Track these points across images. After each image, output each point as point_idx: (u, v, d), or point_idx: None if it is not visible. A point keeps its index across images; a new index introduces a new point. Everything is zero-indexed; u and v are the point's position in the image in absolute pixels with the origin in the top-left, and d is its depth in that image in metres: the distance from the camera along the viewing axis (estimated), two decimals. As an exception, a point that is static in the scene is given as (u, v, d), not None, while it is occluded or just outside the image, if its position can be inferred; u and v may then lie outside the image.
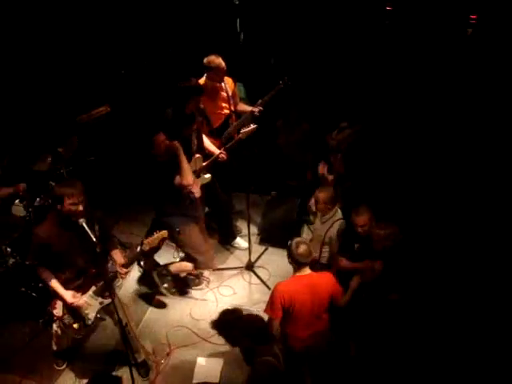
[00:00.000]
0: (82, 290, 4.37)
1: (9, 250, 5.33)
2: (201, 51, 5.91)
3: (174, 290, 5.82)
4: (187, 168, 4.84)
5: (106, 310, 4.53)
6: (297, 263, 4.24)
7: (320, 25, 7.44)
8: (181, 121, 5.15)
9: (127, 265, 4.39)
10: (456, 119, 6.87)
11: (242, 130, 5.66)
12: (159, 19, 7.63)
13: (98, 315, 4.51)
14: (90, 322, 4.40)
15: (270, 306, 4.23)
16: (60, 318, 4.38)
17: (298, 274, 4.27)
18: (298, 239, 4.30)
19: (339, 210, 5.30)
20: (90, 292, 4.38)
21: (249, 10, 7.70)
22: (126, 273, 4.43)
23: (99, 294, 4.39)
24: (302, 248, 4.17)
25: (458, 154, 6.55)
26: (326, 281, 4.31)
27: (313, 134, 6.63)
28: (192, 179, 4.89)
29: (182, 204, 5.06)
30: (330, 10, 7.35)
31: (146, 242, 4.28)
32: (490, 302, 5.15)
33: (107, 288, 4.26)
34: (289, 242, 4.32)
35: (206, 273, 6.01)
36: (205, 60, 5.69)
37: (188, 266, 5.41)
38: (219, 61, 5.66)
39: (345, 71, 7.43)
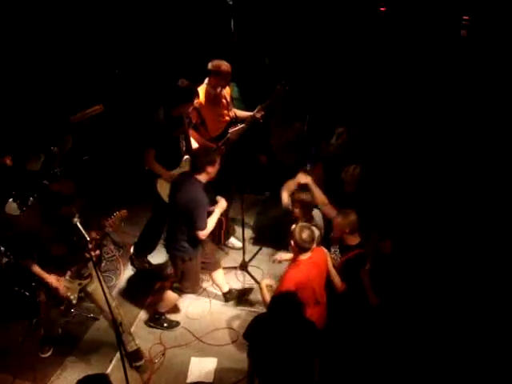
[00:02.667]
0: (58, 274, 4.46)
1: (2, 249, 5.31)
2: (195, 51, 5.92)
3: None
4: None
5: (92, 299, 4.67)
6: (300, 248, 4.34)
7: (314, 25, 7.45)
8: (169, 123, 5.16)
9: (94, 248, 4.40)
10: (451, 121, 6.89)
11: (230, 130, 5.66)
12: (153, 19, 7.62)
13: (92, 315, 4.62)
14: (75, 302, 4.55)
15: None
16: (45, 303, 4.57)
17: (301, 258, 4.38)
18: (301, 224, 4.45)
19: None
20: (66, 277, 4.48)
21: (243, 10, 7.70)
22: (96, 256, 4.46)
23: (75, 277, 4.52)
24: (306, 233, 4.29)
25: (452, 156, 6.55)
26: (322, 256, 4.54)
27: (304, 134, 6.64)
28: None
29: None
30: (323, 11, 7.36)
31: (107, 224, 4.40)
32: (487, 303, 5.18)
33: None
34: (292, 227, 4.43)
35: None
36: (211, 65, 5.59)
37: (175, 299, 5.34)
38: (227, 66, 5.59)
39: (338, 72, 7.44)
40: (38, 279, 4.49)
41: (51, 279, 4.37)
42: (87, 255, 4.03)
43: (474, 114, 6.83)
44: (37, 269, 4.34)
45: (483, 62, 6.95)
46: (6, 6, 6.53)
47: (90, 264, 4.42)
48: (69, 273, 4.48)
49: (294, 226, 4.49)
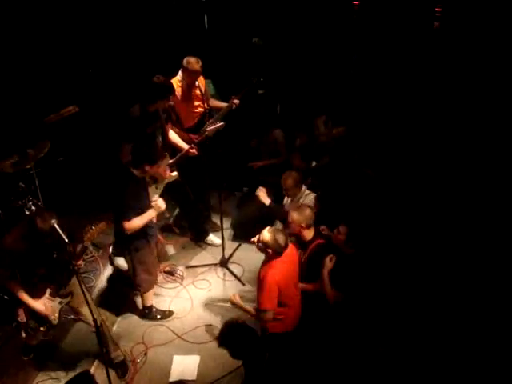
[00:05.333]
0: (38, 294, 4.38)
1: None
2: (169, 48, 5.91)
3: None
4: None
5: (76, 311, 4.60)
6: (278, 252, 4.31)
7: (288, 21, 7.47)
8: (144, 119, 5.15)
9: (76, 260, 4.41)
10: (426, 110, 6.95)
11: (208, 128, 5.70)
12: (126, 17, 7.57)
13: (72, 316, 4.68)
14: (55, 323, 4.48)
15: (268, 299, 4.30)
16: (25, 324, 4.40)
17: (278, 258, 4.34)
18: (272, 229, 4.36)
19: (306, 189, 5.53)
20: (47, 295, 4.42)
21: (216, 7, 7.69)
22: (78, 266, 4.46)
23: (55, 294, 4.46)
24: (281, 238, 4.27)
25: (433, 154, 6.60)
26: (294, 252, 4.60)
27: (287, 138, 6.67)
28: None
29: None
30: (298, 6, 7.38)
31: (86, 238, 4.32)
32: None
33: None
34: (264, 234, 4.33)
35: (180, 271, 6.05)
36: (184, 60, 5.71)
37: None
38: (197, 66, 5.69)
39: (313, 70, 7.48)
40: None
41: (39, 307, 4.31)
42: (69, 260, 4.01)
43: (449, 104, 6.90)
44: (23, 295, 4.25)
45: (456, 53, 7.02)
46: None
47: (71, 282, 4.46)
48: (49, 290, 4.42)
49: (266, 232, 4.35)
